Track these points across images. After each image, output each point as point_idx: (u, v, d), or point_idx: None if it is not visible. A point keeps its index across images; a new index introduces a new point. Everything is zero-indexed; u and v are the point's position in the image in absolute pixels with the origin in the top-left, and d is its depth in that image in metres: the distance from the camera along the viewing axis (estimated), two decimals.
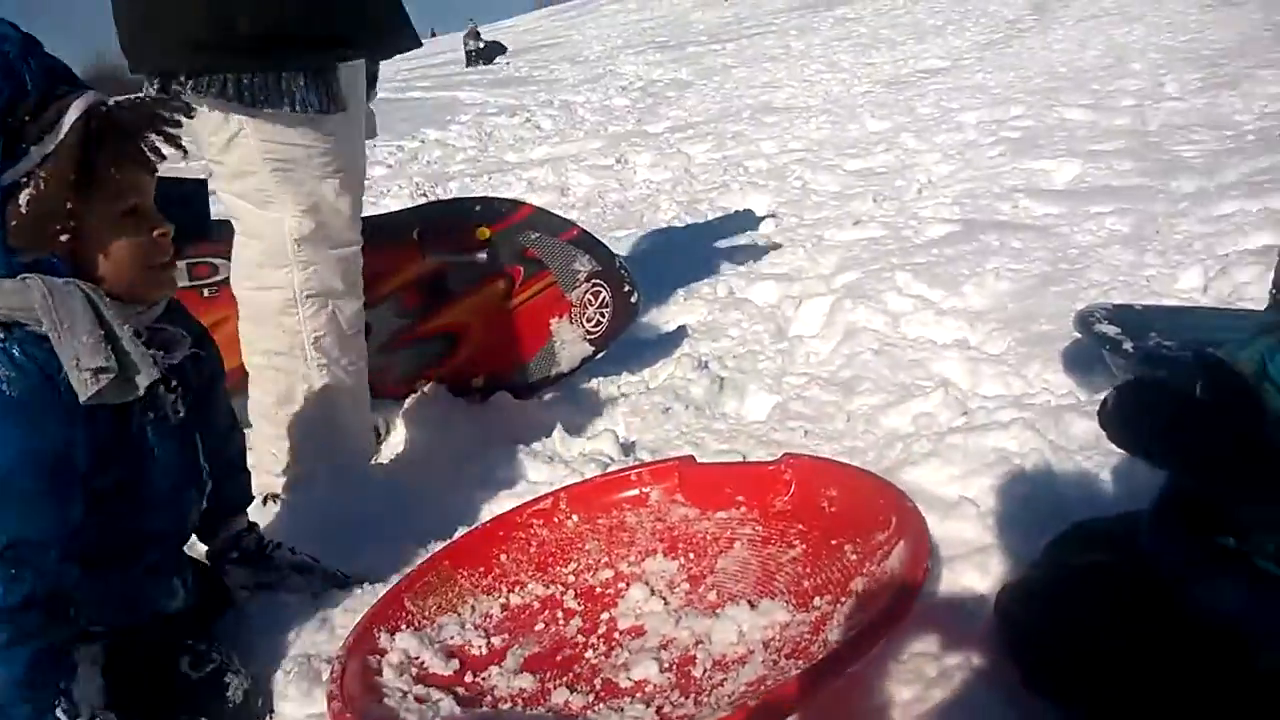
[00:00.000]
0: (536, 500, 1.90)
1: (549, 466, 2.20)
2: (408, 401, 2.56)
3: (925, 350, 2.71)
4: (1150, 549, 1.26)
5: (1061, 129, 5.97)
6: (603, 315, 2.63)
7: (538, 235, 2.58)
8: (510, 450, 2.30)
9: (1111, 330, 2.31)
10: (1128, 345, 2.19)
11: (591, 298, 2.62)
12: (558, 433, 2.39)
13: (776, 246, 4.03)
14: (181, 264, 2.29)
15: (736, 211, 4.78)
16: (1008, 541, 1.66)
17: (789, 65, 11.05)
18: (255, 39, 1.83)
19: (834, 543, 1.59)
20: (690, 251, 4.13)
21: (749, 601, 1.56)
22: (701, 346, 3.00)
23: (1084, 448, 1.98)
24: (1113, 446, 1.37)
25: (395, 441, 2.50)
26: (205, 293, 2.45)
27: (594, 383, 2.72)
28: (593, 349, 2.66)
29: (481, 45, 16.05)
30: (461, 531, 1.89)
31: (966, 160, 5.38)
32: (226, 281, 2.21)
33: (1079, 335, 2.48)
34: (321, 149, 1.97)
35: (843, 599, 1.46)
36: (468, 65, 14.65)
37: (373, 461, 2.34)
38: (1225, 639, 1.11)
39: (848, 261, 3.66)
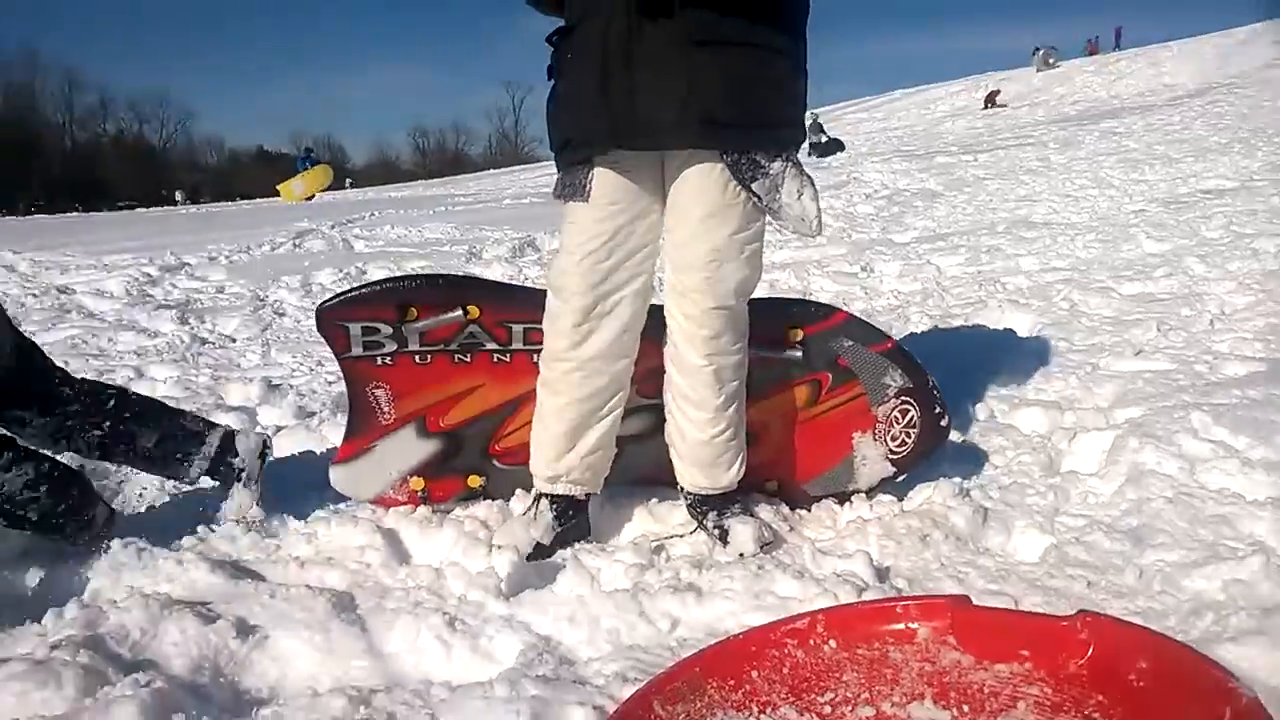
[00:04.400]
0: (792, 619, 1.80)
1: (798, 583, 2.10)
2: None
3: (1231, 504, 2.39)
4: None
5: None
6: (909, 435, 2.47)
7: (851, 344, 2.46)
8: (758, 559, 2.23)
9: None
10: None
11: (899, 415, 2.46)
12: (808, 548, 2.29)
13: (1044, 372, 3.76)
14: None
15: (995, 330, 4.52)
16: None
17: (1049, 179, 10.52)
18: None
19: None
20: (944, 368, 3.88)
21: None
22: (961, 471, 2.80)
23: None
24: None
25: None
26: (455, 359, 2.39)
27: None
28: (894, 470, 2.50)
29: (824, 140, 16.37)
30: (709, 640, 1.83)
31: (1268, 291, 4.82)
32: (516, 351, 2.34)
33: None
34: None
35: None
36: (808, 156, 15.02)
37: None
38: None
39: (1130, 395, 3.34)
